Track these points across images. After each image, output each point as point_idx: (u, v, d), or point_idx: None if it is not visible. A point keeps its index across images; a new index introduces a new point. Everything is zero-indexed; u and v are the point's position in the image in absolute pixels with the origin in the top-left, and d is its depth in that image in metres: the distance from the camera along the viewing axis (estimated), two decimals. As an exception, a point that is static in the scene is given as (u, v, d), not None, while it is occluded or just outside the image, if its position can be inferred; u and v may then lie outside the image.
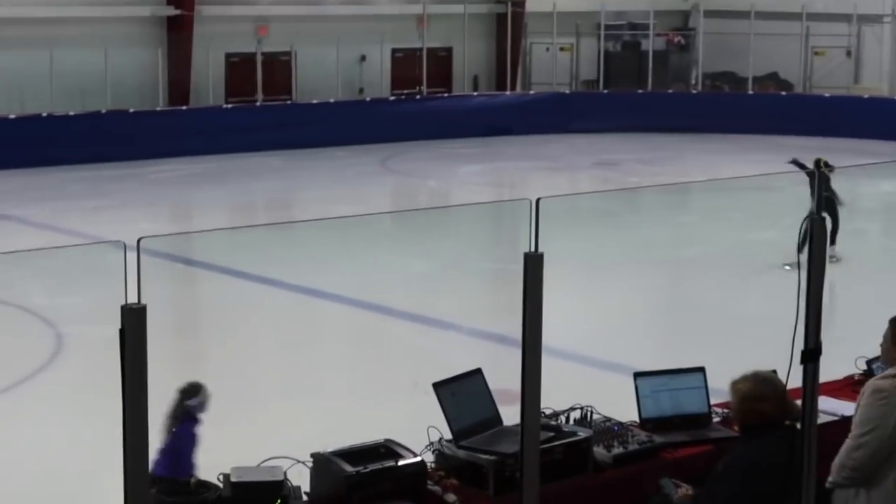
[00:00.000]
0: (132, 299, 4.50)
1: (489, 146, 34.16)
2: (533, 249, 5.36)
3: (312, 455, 6.42)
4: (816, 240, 5.94)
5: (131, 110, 31.47)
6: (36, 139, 29.51)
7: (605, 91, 38.54)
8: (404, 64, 36.93)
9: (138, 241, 4.58)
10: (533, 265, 5.34)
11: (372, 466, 6.27)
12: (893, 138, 33.51)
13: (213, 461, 11.19)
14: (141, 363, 4.47)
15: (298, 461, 6.47)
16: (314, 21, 34.72)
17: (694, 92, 39.16)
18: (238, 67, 34.15)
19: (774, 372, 6.76)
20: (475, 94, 37.87)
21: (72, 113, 30.59)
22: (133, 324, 4.46)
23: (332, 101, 34.44)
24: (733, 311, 17.04)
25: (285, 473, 6.38)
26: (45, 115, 30.15)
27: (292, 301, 17.68)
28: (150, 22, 32.83)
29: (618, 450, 6.98)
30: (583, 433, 6.85)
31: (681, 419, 7.49)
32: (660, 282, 19.64)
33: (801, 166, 21.52)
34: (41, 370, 14.18)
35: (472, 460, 6.56)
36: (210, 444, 11.78)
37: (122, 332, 4.45)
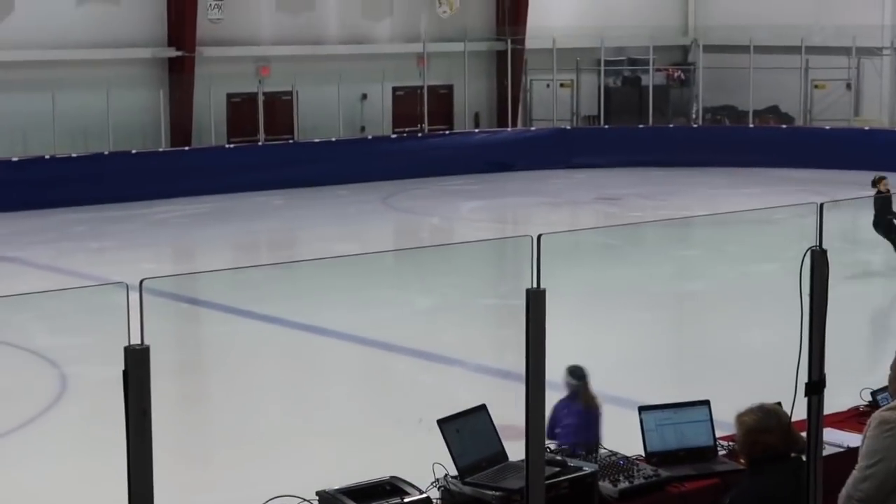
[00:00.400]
0: (135, 340, 4.51)
1: (491, 182, 34.21)
2: (535, 285, 5.37)
3: (318, 493, 6.42)
4: (817, 272, 5.95)
5: (133, 151, 31.55)
6: (39, 181, 29.58)
7: (606, 126, 38.61)
8: (405, 102, 37.03)
9: (140, 282, 4.59)
10: (535, 301, 5.35)
11: (377, 504, 6.27)
12: (894, 170, 33.53)
13: (219, 499, 11.20)
14: (144, 403, 4.48)
15: (304, 500, 6.46)
16: (315, 60, 34.82)
17: (694, 126, 39.22)
18: (240, 107, 34.24)
19: (779, 404, 6.75)
20: (476, 130, 37.94)
21: (74, 155, 30.66)
22: (136, 364, 4.47)
23: (333, 139, 34.51)
24: (737, 343, 17.03)
25: (291, 512, 6.37)
26: (47, 157, 30.22)
27: (296, 339, 17.68)
28: (151, 63, 32.93)
29: (624, 484, 6.96)
30: (588, 468, 6.84)
31: (686, 452, 7.48)
32: (663, 315, 19.64)
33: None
34: (46, 411, 14.17)
35: (478, 496, 6.55)
36: (217, 483, 11.80)
37: (125, 372, 4.46)
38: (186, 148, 32.67)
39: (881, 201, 24.07)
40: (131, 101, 31.87)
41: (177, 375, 15.74)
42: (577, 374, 10.10)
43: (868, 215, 28.67)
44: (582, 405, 9.78)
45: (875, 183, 24.24)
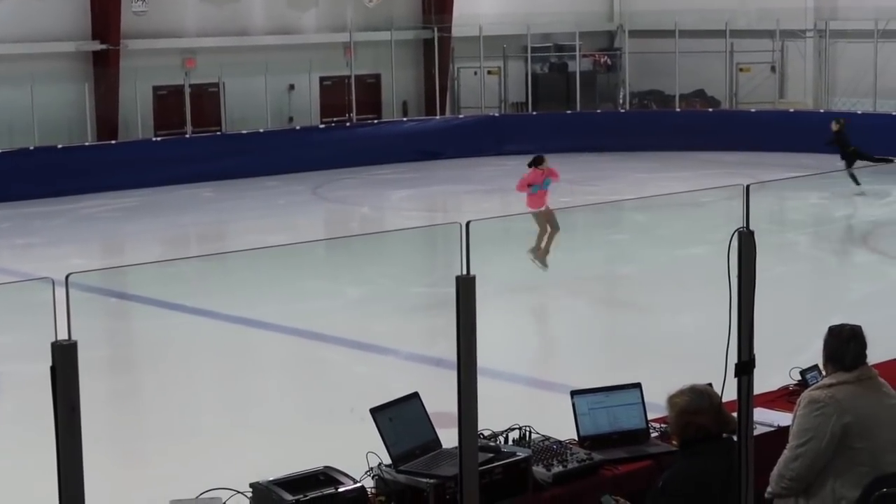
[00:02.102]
0: (63, 336, 4.47)
1: (420, 171, 34.21)
2: (465, 272, 5.37)
3: (251, 485, 6.40)
4: (745, 253, 5.99)
5: (59, 146, 31.26)
6: (-37, 178, 29.27)
7: (534, 113, 38.71)
8: (333, 92, 36.93)
9: (67, 276, 4.55)
10: (465, 288, 5.35)
11: (311, 494, 6.25)
12: (819, 151, 33.84)
13: (152, 495, 11.11)
14: (73, 399, 4.43)
15: (238, 492, 6.44)
16: (241, 52, 34.65)
17: (622, 111, 39.42)
18: (166, 100, 34.02)
19: (710, 385, 6.80)
20: (405, 119, 37.91)
21: (-1, 151, 30.38)
22: (64, 360, 4.42)
23: (261, 130, 34.37)
24: (668, 326, 17.13)
25: (224, 504, 6.36)
26: (-29, 153, 29.92)
27: (228, 332, 17.59)
28: (75, 57, 32.63)
29: (557, 468, 6.98)
30: (522, 453, 6.85)
31: (619, 435, 7.51)
32: (594, 300, 19.73)
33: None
34: (-25, 411, 14.02)
35: (412, 484, 6.55)
36: (148, 477, 11.72)
37: (53, 368, 4.41)
38: (113, 142, 32.41)
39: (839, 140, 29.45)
40: (56, 95, 31.59)
41: (108, 371, 15.64)
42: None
43: (793, 196, 28.99)
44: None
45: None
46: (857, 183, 28.73)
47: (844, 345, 6.90)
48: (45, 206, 28.83)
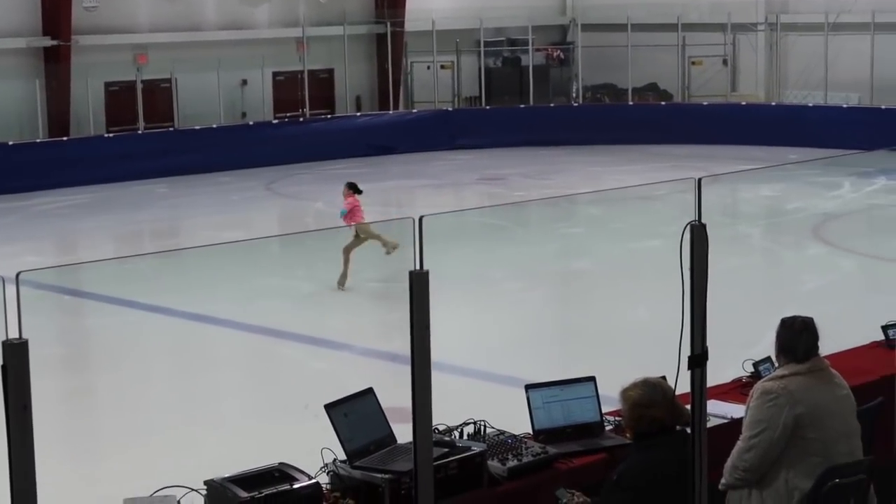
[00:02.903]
0: (13, 334, 4.45)
1: (374, 166, 34.16)
2: (418, 267, 5.38)
3: (206, 482, 6.38)
4: (697, 246, 6.03)
5: (10, 143, 31.05)
6: (-87, 176, 29.04)
7: (488, 107, 38.75)
8: (286, 87, 36.85)
9: (17, 274, 4.52)
10: (419, 283, 5.36)
11: (266, 491, 6.24)
12: (771, 143, 34.08)
13: (106, 494, 11.07)
14: (25, 398, 4.41)
15: (192, 489, 6.43)
16: (193, 47, 34.52)
17: (575, 105, 39.49)
18: (118, 96, 33.84)
19: (663, 378, 6.83)
20: (358, 114, 37.86)
21: (-51, 148, 30.16)
22: (15, 359, 4.40)
23: (214, 126, 34.25)
24: (621, 319, 17.19)
25: (179, 502, 6.33)
26: (-79, 151, 29.68)
27: (183, 328, 17.54)
28: (26, 53, 32.42)
29: (512, 462, 7.00)
30: (477, 447, 6.86)
31: (573, 429, 7.54)
32: (548, 294, 19.78)
33: None
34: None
35: (368, 480, 6.55)
36: (102, 476, 11.67)
37: (3, 367, 4.39)
38: (65, 138, 32.22)
39: None
40: (6, 91, 31.40)
41: (61, 369, 15.55)
42: None
43: (745, 189, 29.12)
44: None
45: None
46: None
47: (797, 336, 6.95)
48: (-3, 204, 28.65)
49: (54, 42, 32.31)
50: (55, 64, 32.39)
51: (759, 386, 6.96)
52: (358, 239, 19.49)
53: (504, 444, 7.19)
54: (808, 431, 6.74)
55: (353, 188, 20.00)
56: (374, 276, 20.25)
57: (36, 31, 32.45)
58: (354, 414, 6.85)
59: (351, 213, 19.68)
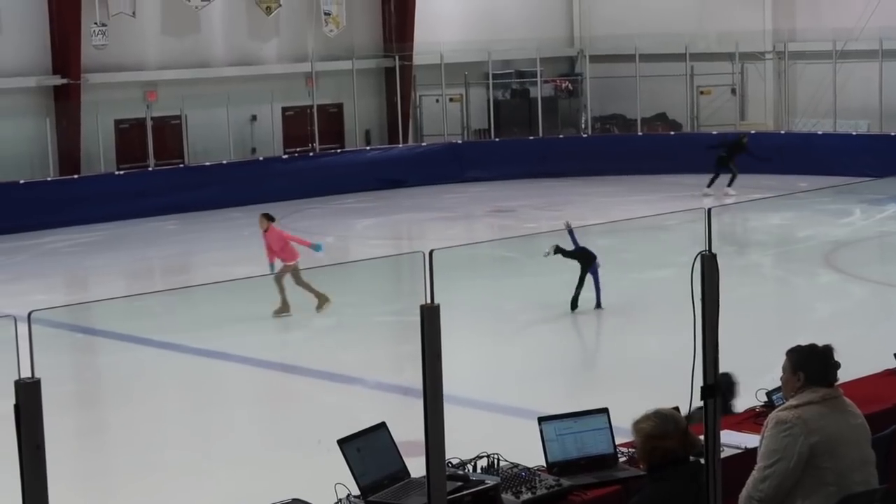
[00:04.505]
0: (26, 373, 4.45)
1: (384, 199, 34.22)
2: (429, 301, 5.38)
3: (220, 519, 6.37)
4: (708, 276, 6.02)
5: (21, 181, 31.13)
6: (-75, 215, 29.12)
7: (497, 139, 38.80)
8: (295, 122, 36.93)
9: (29, 314, 4.53)
10: (430, 316, 5.35)
11: (281, 527, 6.24)
12: (781, 172, 34.06)
13: (120, 532, 11.07)
14: (38, 437, 4.41)
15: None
16: (203, 84, 34.62)
17: (584, 136, 39.51)
18: (128, 133, 33.94)
19: (676, 409, 6.81)
20: (368, 148, 37.93)
21: (-39, 187, 30.24)
22: (28, 399, 4.40)
23: (224, 162, 34.33)
24: (633, 350, 17.16)
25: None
26: (-67, 190, 29.77)
27: (195, 365, 17.54)
28: (36, 92, 32.53)
29: (526, 495, 6.98)
30: (490, 481, 6.85)
31: (587, 461, 7.51)
32: (560, 325, 19.74)
33: None
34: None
35: (381, 515, 6.54)
36: (116, 514, 11.65)
37: (16, 407, 4.39)
38: (75, 176, 32.30)
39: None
40: (17, 130, 31.49)
41: (74, 408, 15.55)
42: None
43: (756, 217, 29.13)
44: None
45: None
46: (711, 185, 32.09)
47: (822, 363, 6.93)
48: (8, 242, 28.68)
49: (64, 80, 32.42)
50: (65, 102, 32.50)
51: (774, 415, 6.93)
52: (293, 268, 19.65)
53: (518, 477, 7.17)
54: (824, 461, 6.72)
55: (270, 218, 20.22)
56: (385, 309, 20.24)
57: (46, 69, 32.56)
58: (367, 448, 6.84)
59: (285, 247, 19.83)
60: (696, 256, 6.02)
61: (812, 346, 7.03)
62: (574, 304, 19.34)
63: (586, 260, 19.46)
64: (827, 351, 6.99)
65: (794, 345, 7.08)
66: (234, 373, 17.09)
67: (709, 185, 32.22)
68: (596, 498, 7.20)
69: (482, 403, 14.33)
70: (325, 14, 37.36)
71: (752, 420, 8.26)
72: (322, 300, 19.54)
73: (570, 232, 19.78)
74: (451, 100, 39.32)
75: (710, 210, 6.26)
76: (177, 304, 20.85)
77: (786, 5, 38.94)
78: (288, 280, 19.68)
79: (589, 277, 19.31)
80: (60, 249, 28.37)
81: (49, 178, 31.86)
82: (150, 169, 33.38)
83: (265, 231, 20.30)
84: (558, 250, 19.32)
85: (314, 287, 19.62)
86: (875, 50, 35.40)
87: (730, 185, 32.25)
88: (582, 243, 19.43)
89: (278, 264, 20.02)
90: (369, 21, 38.92)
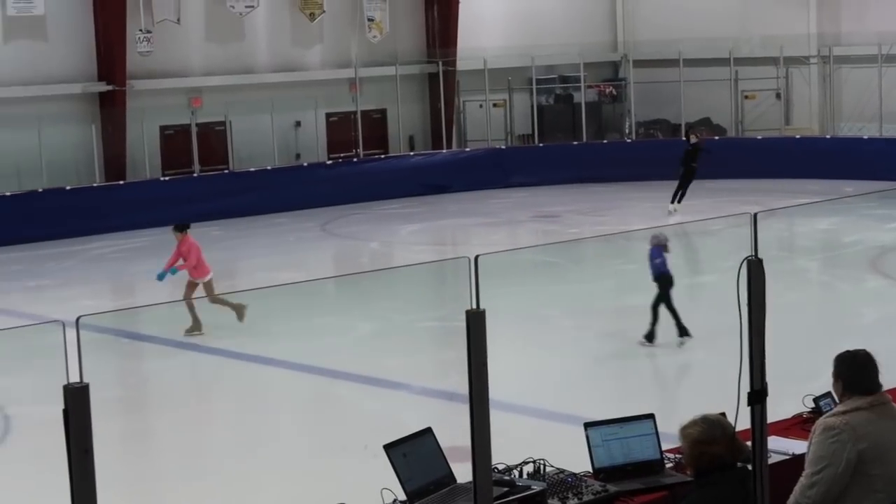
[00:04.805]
0: (74, 378, 4.47)
1: (428, 205, 34.24)
2: (475, 306, 5.37)
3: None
4: (754, 281, 5.99)
5: (68, 188, 31.34)
6: (-27, 222, 29.33)
7: (541, 144, 38.76)
8: (339, 127, 37.02)
9: (77, 319, 4.55)
10: (475, 322, 5.35)
11: (327, 532, 6.25)
12: (827, 176, 33.88)
13: (166, 537, 11.12)
14: (86, 442, 4.43)
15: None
16: (247, 90, 34.76)
17: (628, 141, 39.44)
18: (173, 139, 34.09)
19: (723, 414, 6.79)
20: (411, 153, 37.98)
21: (8, 193, 30.39)
22: (76, 403, 4.43)
23: (269, 168, 34.44)
24: (679, 356, 17.10)
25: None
26: (-20, 197, 29.99)
27: (240, 370, 17.60)
28: (82, 99, 32.74)
29: (573, 501, 6.97)
30: (537, 486, 6.84)
31: (634, 467, 7.49)
32: (605, 331, 19.69)
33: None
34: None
35: (428, 520, 6.54)
36: (163, 519, 11.70)
37: (65, 411, 4.42)
38: (121, 182, 32.47)
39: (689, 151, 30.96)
40: (63, 137, 31.68)
41: (121, 412, 15.63)
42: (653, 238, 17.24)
43: (801, 222, 29.00)
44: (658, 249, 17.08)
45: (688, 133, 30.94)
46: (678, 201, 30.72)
47: (858, 371, 6.89)
48: (55, 248, 28.87)
49: (109, 87, 32.61)
50: (111, 108, 32.69)
51: (821, 422, 6.89)
52: (208, 285, 19.51)
53: (564, 482, 7.16)
54: (872, 467, 6.67)
55: (183, 228, 19.95)
56: (430, 315, 20.25)
57: (91, 76, 32.77)
58: (413, 454, 6.84)
59: (195, 259, 19.59)
60: (743, 261, 6.00)
61: (849, 353, 6.99)
62: (651, 338, 17.32)
63: (668, 285, 17.43)
64: (864, 358, 6.93)
65: (840, 351, 7.05)
66: (280, 378, 17.12)
67: (676, 201, 31.22)
68: (642, 504, 7.18)
69: (527, 409, 14.32)
70: (369, 20, 37.44)
71: (800, 426, 8.23)
72: (239, 310, 19.31)
73: (661, 248, 17.71)
74: (494, 105, 39.34)
75: (755, 215, 6.24)
76: (222, 310, 20.90)
77: (831, 9, 38.73)
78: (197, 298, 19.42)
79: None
80: (107, 255, 28.53)
81: (95, 185, 32.06)
82: (194, 175, 33.52)
83: (180, 242, 19.98)
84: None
85: (229, 300, 19.39)
86: (921, 53, 35.20)
87: (677, 200, 31.09)
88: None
89: (183, 275, 19.80)
90: (412, 26, 38.98)
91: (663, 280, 17.43)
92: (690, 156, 31.32)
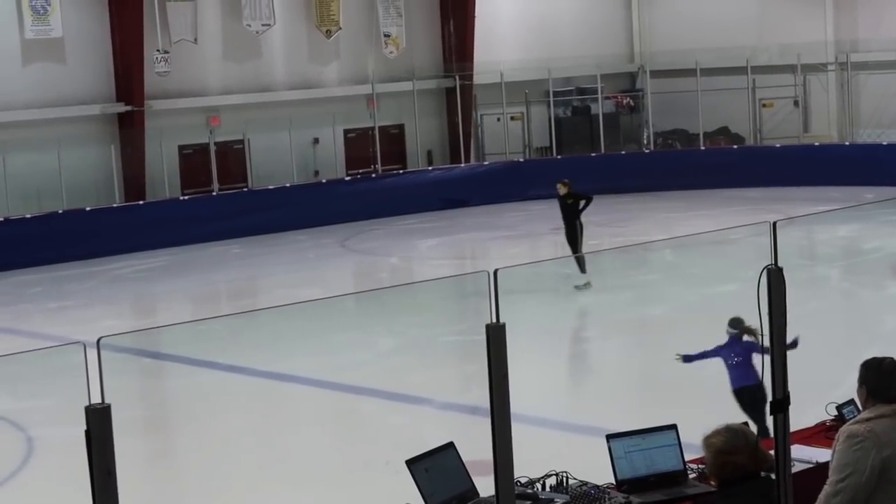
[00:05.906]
0: (96, 399, 4.48)
1: (447, 219, 34.26)
2: (495, 320, 5.37)
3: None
4: (775, 290, 5.97)
5: (88, 208, 31.43)
6: (-7, 244, 29.44)
7: (559, 157, 38.74)
8: (357, 144, 37.08)
9: (98, 340, 4.56)
10: (496, 335, 5.34)
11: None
12: (846, 183, 33.80)
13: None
14: (108, 463, 4.44)
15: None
16: (265, 108, 34.84)
17: (646, 151, 39.43)
18: (192, 158, 34.19)
19: (746, 424, 6.77)
20: (430, 168, 38.00)
21: (28, 215, 30.50)
22: (98, 424, 4.43)
23: (287, 185, 34.50)
24: (700, 366, 17.04)
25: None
26: (1, 219, 30.06)
27: (262, 388, 17.60)
28: (101, 120, 32.85)
29: (596, 513, 6.96)
30: (560, 499, 6.84)
31: (657, 478, 7.48)
32: (626, 342, 19.67)
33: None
34: (15, 474, 14.05)
35: (451, 535, 6.54)
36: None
37: (87, 432, 4.42)
38: (141, 202, 32.57)
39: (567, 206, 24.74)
40: (83, 158, 31.78)
41: (143, 432, 15.65)
42: (736, 324, 12.26)
43: (821, 230, 28.92)
44: (741, 345, 12.17)
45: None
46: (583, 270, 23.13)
47: (882, 378, 6.85)
48: (76, 269, 28.95)
49: (128, 108, 32.73)
50: (129, 129, 32.80)
51: (845, 429, 6.86)
52: None
53: (587, 494, 7.15)
54: (897, 475, 6.64)
55: None
56: (450, 329, 20.24)
57: (110, 97, 32.89)
58: (436, 469, 6.83)
59: None
60: (763, 270, 5.98)
61: (875, 360, 6.96)
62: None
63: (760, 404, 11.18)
64: (890, 365, 6.90)
65: (863, 358, 7.02)
66: (301, 395, 17.13)
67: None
68: (666, 515, 7.16)
69: (549, 422, 14.29)
70: (385, 36, 37.51)
71: (823, 434, 8.20)
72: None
73: (740, 341, 12.53)
74: (512, 118, 39.35)
75: (775, 223, 6.22)
76: (243, 328, 20.94)
77: (847, 16, 38.67)
78: None
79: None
80: (127, 275, 28.59)
81: (115, 205, 32.14)
82: (213, 193, 33.59)
83: None
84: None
85: None
86: (939, 59, 35.12)
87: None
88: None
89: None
90: (429, 42, 39.03)
91: (747, 396, 11.77)
92: (568, 210, 24.98)
